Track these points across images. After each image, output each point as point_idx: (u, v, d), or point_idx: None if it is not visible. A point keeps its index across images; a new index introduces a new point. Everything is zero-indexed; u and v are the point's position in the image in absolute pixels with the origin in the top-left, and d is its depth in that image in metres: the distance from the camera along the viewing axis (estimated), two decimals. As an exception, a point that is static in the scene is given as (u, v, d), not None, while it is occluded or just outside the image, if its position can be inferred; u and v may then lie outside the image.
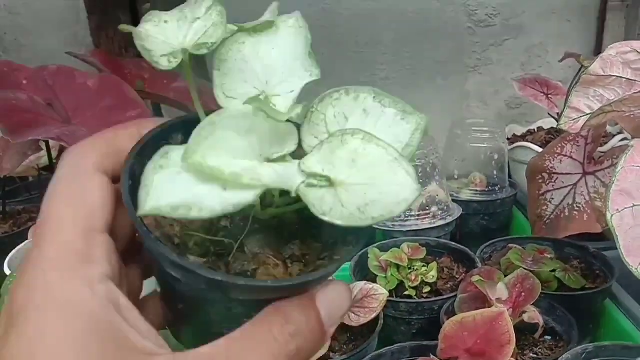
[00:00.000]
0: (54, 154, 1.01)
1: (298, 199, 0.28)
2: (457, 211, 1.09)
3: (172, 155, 0.28)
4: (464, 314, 0.63)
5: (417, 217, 1.04)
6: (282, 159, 0.30)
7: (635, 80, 0.81)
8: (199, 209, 0.26)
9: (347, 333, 0.77)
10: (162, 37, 0.34)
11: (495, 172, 1.20)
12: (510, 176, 1.35)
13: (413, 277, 0.84)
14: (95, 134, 0.31)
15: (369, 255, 0.90)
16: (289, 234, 0.33)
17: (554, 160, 1.10)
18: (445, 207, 1.07)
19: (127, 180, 0.28)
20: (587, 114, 0.99)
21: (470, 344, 0.60)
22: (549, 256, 0.84)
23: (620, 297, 0.84)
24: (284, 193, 0.30)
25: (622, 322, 0.80)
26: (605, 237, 1.09)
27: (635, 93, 0.78)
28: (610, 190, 0.66)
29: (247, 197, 0.27)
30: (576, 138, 1.09)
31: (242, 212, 0.30)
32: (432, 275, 0.85)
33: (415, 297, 0.83)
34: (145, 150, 0.29)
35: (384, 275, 0.86)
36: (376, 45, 1.56)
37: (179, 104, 1.09)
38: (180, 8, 0.35)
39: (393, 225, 1.05)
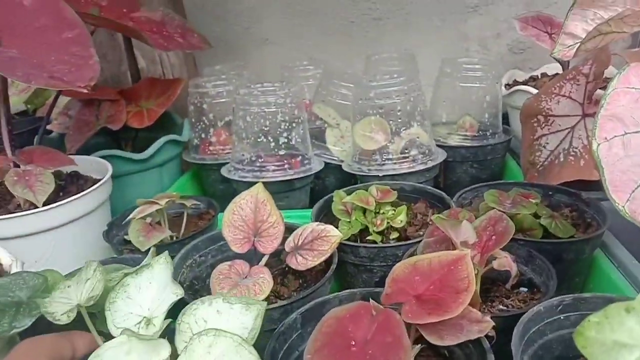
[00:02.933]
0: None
1: None
2: (441, 156, 0.99)
3: None
4: (418, 257, 0.54)
5: (394, 162, 0.95)
6: None
7: (641, -2, 0.70)
8: None
9: (299, 279, 0.69)
10: (66, 300, 0.51)
11: (487, 116, 1.09)
12: (508, 124, 1.24)
13: (378, 222, 0.75)
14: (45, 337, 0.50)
15: (334, 199, 0.81)
16: None
17: (550, 101, 0.99)
18: (427, 151, 0.97)
19: None
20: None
21: (422, 290, 0.51)
22: (533, 201, 0.74)
23: (612, 248, 0.75)
24: None
25: (612, 274, 0.70)
26: (603, 186, 0.99)
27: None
28: (598, 116, 0.55)
29: None
30: (576, 76, 0.97)
31: None
32: (400, 219, 0.76)
33: (379, 243, 0.74)
34: None
35: (348, 220, 0.78)
36: (368, -18, 1.44)
37: (138, 34, 0.99)
38: (79, 273, 0.54)
39: (369, 170, 0.96)
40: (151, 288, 0.54)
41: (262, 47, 1.54)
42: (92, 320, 0.52)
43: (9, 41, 0.77)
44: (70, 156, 0.95)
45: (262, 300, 0.54)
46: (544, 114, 0.99)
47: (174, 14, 1.12)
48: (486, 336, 0.52)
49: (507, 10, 1.43)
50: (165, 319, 0.51)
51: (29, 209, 0.86)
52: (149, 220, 0.78)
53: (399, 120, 0.94)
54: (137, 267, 0.55)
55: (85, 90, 0.70)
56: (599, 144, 0.54)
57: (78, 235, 0.86)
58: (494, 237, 0.60)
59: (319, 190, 1.08)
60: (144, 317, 0.51)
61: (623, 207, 0.52)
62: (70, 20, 0.80)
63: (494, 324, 0.51)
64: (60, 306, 0.51)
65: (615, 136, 0.54)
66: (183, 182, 1.17)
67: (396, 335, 0.44)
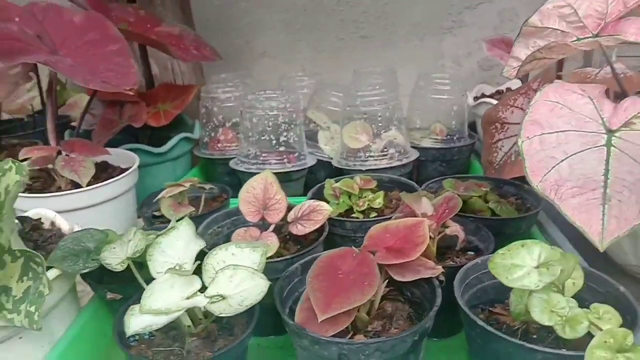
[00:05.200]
0: (44, 87, 1.10)
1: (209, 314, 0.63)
2: (414, 154, 1.18)
3: (135, 308, 0.61)
4: (389, 222, 0.73)
5: (375, 158, 1.14)
6: (194, 294, 0.62)
7: (568, 32, 0.90)
8: (155, 325, 0.59)
9: (297, 245, 0.88)
10: (114, 255, 0.70)
11: (454, 123, 1.29)
12: (475, 130, 1.44)
13: (361, 203, 0.94)
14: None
15: (325, 185, 1.00)
16: (215, 336, 0.66)
17: (506, 111, 1.19)
18: (403, 150, 1.16)
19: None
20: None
21: (390, 244, 0.70)
22: (484, 189, 0.94)
23: (545, 224, 0.94)
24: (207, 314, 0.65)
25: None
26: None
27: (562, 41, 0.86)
28: (524, 121, 0.75)
29: (176, 315, 0.60)
30: (527, 91, 1.17)
31: (182, 331, 0.65)
32: (378, 202, 0.95)
33: (361, 218, 0.93)
34: None
35: (336, 202, 0.96)
36: (357, 4, 1.64)
37: (161, 46, 1.17)
38: (120, 236, 0.73)
39: (354, 165, 1.15)
40: (178, 243, 0.68)
41: (261, 60, 1.73)
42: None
43: (64, 52, 0.95)
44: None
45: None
46: (500, 121, 1.19)
47: (189, 29, 1.31)
48: (438, 281, 0.71)
49: (477, 32, 1.64)
50: (194, 263, 0.67)
51: (70, 190, 1.03)
52: (176, 199, 0.96)
53: (380, 125, 1.14)
54: (166, 229, 0.70)
55: (131, 93, 0.88)
56: (522, 141, 0.73)
57: (113, 212, 1.04)
58: (447, 210, 0.79)
59: (311, 182, 1.26)
60: (177, 264, 0.67)
61: (537, 185, 0.71)
62: (113, 35, 0.98)
63: (443, 270, 0.70)
64: (114, 259, 0.69)
65: (535, 135, 0.73)
66: (193, 173, 1.35)
67: (370, 268, 0.62)
